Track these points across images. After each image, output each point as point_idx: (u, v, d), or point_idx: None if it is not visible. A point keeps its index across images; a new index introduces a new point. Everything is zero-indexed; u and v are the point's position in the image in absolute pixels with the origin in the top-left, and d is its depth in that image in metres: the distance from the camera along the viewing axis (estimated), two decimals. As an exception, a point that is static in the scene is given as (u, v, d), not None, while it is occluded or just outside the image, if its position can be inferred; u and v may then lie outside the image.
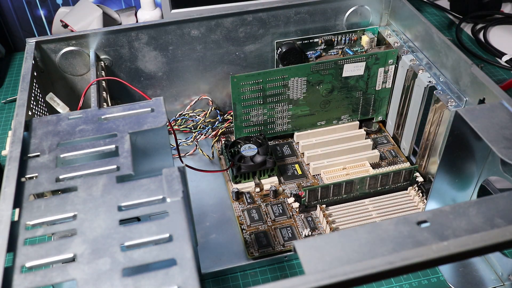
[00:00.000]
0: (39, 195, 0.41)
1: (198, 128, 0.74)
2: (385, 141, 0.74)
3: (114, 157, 0.42)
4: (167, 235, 0.36)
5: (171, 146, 0.51)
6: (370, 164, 0.68)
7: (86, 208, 0.38)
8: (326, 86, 0.69)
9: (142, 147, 0.46)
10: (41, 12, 0.95)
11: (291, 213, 0.63)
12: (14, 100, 0.86)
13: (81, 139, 0.44)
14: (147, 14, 0.85)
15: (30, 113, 0.50)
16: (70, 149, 0.43)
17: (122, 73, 0.68)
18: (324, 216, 0.61)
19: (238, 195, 0.65)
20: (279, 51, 0.71)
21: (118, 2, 0.96)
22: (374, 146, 0.72)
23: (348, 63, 0.68)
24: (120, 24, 0.86)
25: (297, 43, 0.71)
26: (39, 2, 0.94)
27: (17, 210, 0.38)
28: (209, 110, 0.74)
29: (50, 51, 0.63)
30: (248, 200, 0.65)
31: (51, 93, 0.57)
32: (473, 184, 0.53)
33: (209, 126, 0.75)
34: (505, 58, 0.91)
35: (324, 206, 0.62)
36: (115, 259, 0.34)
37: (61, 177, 0.40)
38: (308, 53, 0.72)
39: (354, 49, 0.73)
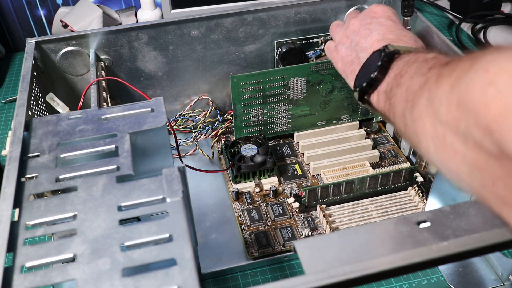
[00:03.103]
0: (39, 195, 0.41)
1: (198, 128, 0.74)
2: (385, 141, 0.74)
3: (114, 157, 0.42)
4: (167, 235, 0.36)
5: (171, 146, 0.51)
6: (370, 164, 0.68)
7: (86, 208, 0.38)
8: (326, 86, 0.69)
9: (142, 147, 0.46)
10: (41, 12, 0.95)
11: (291, 213, 0.63)
12: (14, 100, 0.86)
13: (81, 139, 0.44)
14: (147, 14, 0.85)
15: (30, 113, 0.50)
16: (70, 149, 0.43)
17: (122, 73, 0.68)
18: (324, 216, 0.61)
19: (238, 195, 0.65)
20: (279, 51, 0.71)
21: (118, 2, 0.96)
22: (374, 146, 0.72)
23: (348, 63, 0.68)
24: (120, 24, 0.86)
25: (297, 43, 0.71)
26: (39, 2, 0.94)
27: (17, 210, 0.38)
28: (209, 110, 0.74)
29: (50, 51, 0.63)
30: (248, 200, 0.65)
31: (51, 93, 0.57)
32: (473, 184, 0.53)
33: (209, 126, 0.75)
34: (505, 58, 0.91)
35: (324, 206, 0.62)
36: (115, 259, 0.34)
37: (61, 177, 0.40)
38: (308, 53, 0.72)
39: (354, 49, 0.73)
